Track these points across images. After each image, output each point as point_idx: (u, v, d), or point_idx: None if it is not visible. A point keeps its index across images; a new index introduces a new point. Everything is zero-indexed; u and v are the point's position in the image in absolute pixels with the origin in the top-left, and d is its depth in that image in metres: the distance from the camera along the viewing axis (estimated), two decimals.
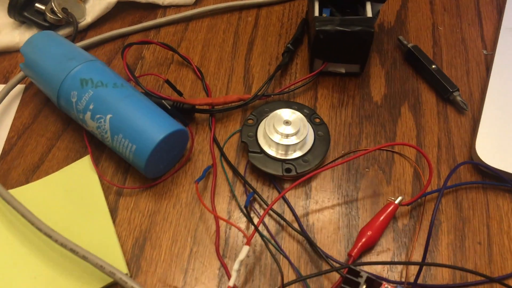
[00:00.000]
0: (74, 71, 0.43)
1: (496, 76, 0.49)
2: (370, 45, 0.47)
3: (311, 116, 0.47)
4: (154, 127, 0.41)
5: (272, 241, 0.41)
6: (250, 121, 0.46)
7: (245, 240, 0.40)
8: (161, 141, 0.40)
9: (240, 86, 0.51)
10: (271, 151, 0.44)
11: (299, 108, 0.47)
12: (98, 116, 0.42)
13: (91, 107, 0.42)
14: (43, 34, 0.47)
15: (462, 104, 0.48)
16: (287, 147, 0.43)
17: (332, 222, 0.42)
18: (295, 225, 0.42)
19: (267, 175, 0.44)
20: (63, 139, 0.47)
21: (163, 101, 0.45)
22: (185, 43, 0.55)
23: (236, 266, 0.36)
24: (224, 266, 0.39)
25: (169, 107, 0.45)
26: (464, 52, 0.53)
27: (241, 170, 0.45)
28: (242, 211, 0.42)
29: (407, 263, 0.37)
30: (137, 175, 0.45)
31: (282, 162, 0.44)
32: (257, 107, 0.48)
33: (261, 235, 0.38)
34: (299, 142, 0.43)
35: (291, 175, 0.43)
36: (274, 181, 0.44)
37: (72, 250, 0.38)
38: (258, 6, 0.58)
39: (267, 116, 0.45)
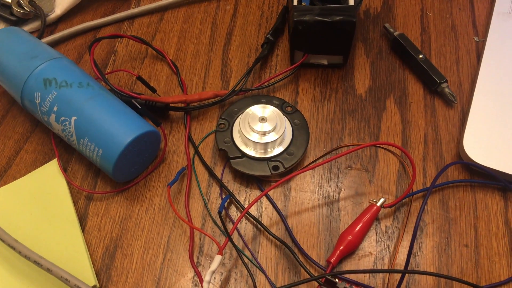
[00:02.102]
0: (37, 70, 0.41)
1: (486, 65, 0.46)
2: (352, 36, 0.44)
3: (282, 105, 0.44)
4: (122, 129, 0.39)
5: (246, 251, 0.39)
6: (222, 126, 0.43)
7: None
8: (129, 144, 0.38)
9: (218, 81, 0.48)
10: (253, 152, 0.42)
11: (268, 101, 0.45)
12: (62, 118, 0.40)
13: (55, 109, 0.40)
14: (5, 31, 0.44)
15: (450, 96, 0.45)
16: (268, 144, 0.41)
17: (312, 225, 0.40)
18: (275, 228, 0.40)
19: (252, 177, 0.42)
20: (31, 141, 0.45)
21: (133, 100, 0.43)
22: (160, 35, 0.52)
23: (207, 277, 0.35)
24: (198, 274, 0.38)
25: (139, 107, 0.42)
26: (454, 39, 0.50)
27: (219, 170, 0.43)
28: (214, 220, 0.40)
29: (388, 271, 0.35)
30: (108, 179, 0.43)
31: (267, 161, 0.42)
32: (224, 109, 0.45)
33: (234, 246, 0.36)
34: (279, 137, 0.41)
35: (279, 172, 0.41)
36: (259, 182, 0.42)
37: (36, 262, 0.36)
38: None
39: (239, 116, 0.43)
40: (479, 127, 0.42)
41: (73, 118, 0.39)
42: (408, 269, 0.37)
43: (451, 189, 0.41)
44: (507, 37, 0.48)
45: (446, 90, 0.45)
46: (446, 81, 0.45)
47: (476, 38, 0.50)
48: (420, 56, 0.47)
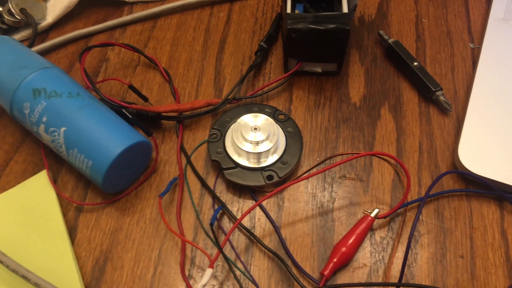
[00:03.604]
0: (26, 80, 0.40)
1: (482, 72, 0.46)
2: (346, 43, 0.43)
3: (274, 114, 0.44)
4: (111, 140, 0.38)
5: (239, 263, 0.38)
6: (214, 136, 0.43)
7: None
8: (119, 155, 0.38)
9: (211, 89, 0.48)
10: (246, 162, 0.41)
11: (260, 109, 0.44)
12: (52, 129, 0.39)
13: (44, 119, 0.39)
14: None
15: (445, 104, 0.45)
16: (262, 154, 0.41)
17: (306, 236, 0.39)
18: (268, 239, 0.39)
19: (246, 188, 0.41)
20: (21, 151, 0.44)
21: (123, 110, 0.42)
22: (152, 42, 0.52)
23: None
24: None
25: (130, 116, 0.42)
26: (450, 46, 0.50)
27: (211, 180, 0.42)
28: (206, 232, 0.40)
29: (382, 284, 0.35)
30: (98, 190, 0.42)
31: (261, 171, 0.41)
32: (216, 119, 0.44)
33: (226, 258, 0.35)
34: (272, 146, 0.40)
35: (274, 181, 0.40)
36: (253, 192, 0.41)
37: (24, 277, 0.35)
38: (231, 0, 0.54)
39: (231, 126, 0.43)
40: (474, 135, 0.42)
41: (63, 129, 0.39)
42: (403, 281, 0.37)
43: (446, 198, 0.41)
44: (503, 43, 0.48)
45: (441, 98, 0.45)
46: (441, 89, 0.45)
47: (471, 45, 0.50)
48: (415, 63, 0.46)
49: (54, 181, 0.42)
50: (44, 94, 0.40)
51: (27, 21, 0.51)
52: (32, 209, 0.40)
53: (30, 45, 0.50)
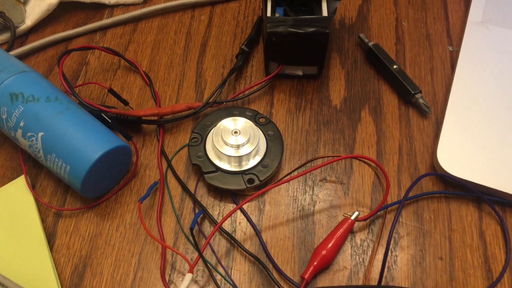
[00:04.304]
0: (3, 84, 0.40)
1: (460, 75, 0.46)
2: (326, 47, 0.44)
3: (255, 117, 0.44)
4: (90, 145, 0.38)
5: (219, 267, 0.38)
6: (194, 140, 0.43)
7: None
8: (97, 160, 0.37)
9: (192, 92, 0.48)
10: (227, 166, 0.41)
11: (241, 112, 0.44)
12: (29, 134, 0.38)
13: (21, 124, 0.39)
14: None
15: (424, 107, 0.45)
16: (242, 158, 0.40)
17: (287, 240, 0.39)
18: (249, 243, 0.39)
19: (227, 191, 0.41)
20: None
21: (102, 114, 0.42)
22: (133, 46, 0.51)
23: None
24: None
25: (110, 121, 0.41)
26: (429, 49, 0.51)
27: (192, 184, 0.42)
28: (186, 237, 0.39)
29: (362, 287, 0.35)
30: (78, 195, 0.42)
31: (242, 174, 0.41)
32: (197, 123, 0.44)
33: (206, 263, 0.35)
34: (253, 149, 0.40)
35: (255, 185, 0.40)
36: (234, 196, 0.41)
37: (1, 284, 0.35)
38: (212, 3, 0.54)
39: (211, 130, 0.42)
40: (452, 138, 0.42)
41: (40, 134, 0.38)
42: (383, 283, 0.37)
43: (425, 200, 0.41)
44: (480, 46, 0.48)
45: (420, 100, 0.45)
46: (420, 92, 0.45)
47: (450, 48, 0.50)
48: (395, 66, 0.47)
49: (33, 186, 0.42)
50: (22, 99, 0.39)
51: (6, 24, 0.50)
52: (10, 214, 0.39)
53: (9, 49, 0.49)
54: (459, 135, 0.42)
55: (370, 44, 0.48)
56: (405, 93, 0.46)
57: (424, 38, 0.51)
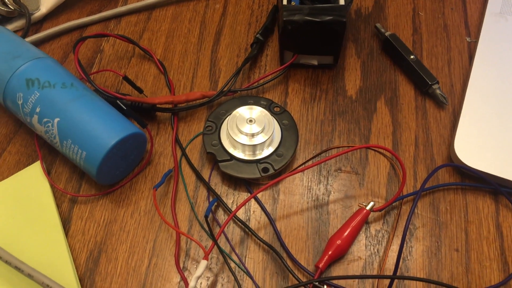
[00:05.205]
0: (19, 70, 0.40)
1: (478, 66, 0.46)
2: (343, 36, 0.43)
3: (270, 106, 0.44)
4: (106, 131, 0.38)
5: (234, 255, 0.38)
6: (209, 128, 0.42)
7: None
8: (113, 147, 0.37)
9: (206, 81, 0.48)
10: (241, 155, 0.41)
11: (255, 101, 0.44)
12: (45, 120, 0.39)
13: (37, 110, 0.39)
14: None
15: (441, 98, 0.44)
16: (257, 146, 0.40)
17: (301, 229, 0.39)
18: (263, 232, 0.39)
19: (241, 180, 0.41)
20: (15, 142, 0.44)
21: (118, 101, 0.42)
22: (147, 34, 0.51)
23: (192, 283, 0.34)
24: (184, 280, 0.37)
25: (125, 108, 0.41)
26: (446, 39, 0.50)
27: (206, 172, 0.42)
28: (200, 224, 0.39)
29: (377, 277, 0.35)
30: (93, 181, 0.42)
31: (257, 163, 0.41)
32: (211, 111, 0.44)
33: (221, 250, 0.35)
34: (268, 138, 0.40)
35: (269, 174, 0.40)
36: (248, 185, 0.41)
37: (17, 268, 0.35)
38: None
39: (226, 118, 0.42)
40: (470, 129, 0.42)
41: (56, 120, 0.38)
42: (398, 274, 0.37)
43: (441, 192, 0.41)
44: (499, 38, 0.48)
45: (438, 91, 0.45)
46: (438, 83, 0.45)
47: (468, 39, 0.50)
48: (412, 56, 0.46)
49: (48, 172, 0.42)
50: (38, 85, 0.39)
51: (21, 11, 0.50)
52: (26, 200, 0.40)
53: (24, 36, 0.49)
54: (476, 126, 0.42)
55: (386, 34, 0.48)
56: (422, 83, 0.45)
57: (442, 29, 0.51)
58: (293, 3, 0.45)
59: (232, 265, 0.37)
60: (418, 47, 0.49)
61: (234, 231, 0.39)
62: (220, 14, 0.52)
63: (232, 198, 0.41)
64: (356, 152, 0.43)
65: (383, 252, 0.38)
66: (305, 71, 0.48)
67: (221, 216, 0.40)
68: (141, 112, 0.44)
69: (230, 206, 0.40)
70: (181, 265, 0.38)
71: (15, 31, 0.51)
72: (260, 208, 0.40)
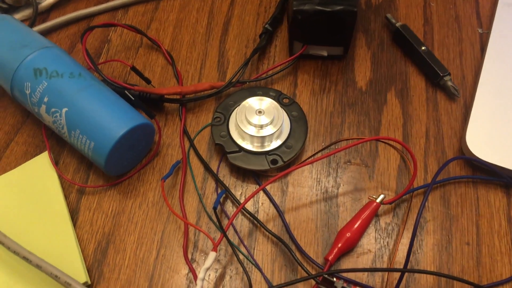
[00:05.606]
0: (27, 60, 0.39)
1: (490, 57, 0.45)
2: (353, 26, 0.43)
3: (279, 97, 0.43)
4: (114, 121, 0.37)
5: (242, 247, 0.38)
6: (217, 120, 0.42)
7: None
8: (122, 137, 0.37)
9: (214, 72, 0.47)
10: (250, 146, 0.41)
11: (264, 93, 0.44)
12: (53, 109, 0.38)
13: (45, 99, 0.38)
14: None
15: (453, 89, 0.44)
16: (266, 138, 0.40)
17: (310, 222, 0.39)
18: (272, 224, 0.39)
19: (249, 172, 0.41)
20: (22, 132, 0.44)
21: (126, 91, 0.41)
22: (155, 24, 0.51)
23: (201, 275, 0.34)
24: (192, 271, 0.37)
25: (133, 98, 0.41)
26: (458, 31, 0.49)
27: (215, 163, 0.42)
28: (209, 216, 0.39)
29: (387, 270, 0.34)
30: (100, 172, 0.42)
31: (266, 155, 0.40)
32: (220, 102, 0.44)
33: (229, 242, 0.35)
34: (277, 130, 0.40)
35: (278, 166, 0.40)
36: (256, 177, 0.41)
37: (25, 258, 0.35)
38: None
39: (235, 109, 0.42)
40: (482, 121, 0.41)
41: (64, 110, 0.38)
42: (408, 267, 0.36)
43: (452, 185, 0.40)
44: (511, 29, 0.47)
45: (449, 83, 0.44)
46: (449, 74, 0.44)
47: (480, 30, 0.49)
48: (423, 48, 0.45)
49: (56, 163, 0.42)
50: (46, 74, 0.39)
51: (28, 0, 0.50)
52: (34, 191, 0.40)
53: (31, 25, 0.49)
54: (488, 119, 0.41)
55: (397, 24, 0.47)
56: (433, 75, 0.45)
57: (453, 20, 0.50)
58: None
59: (241, 257, 0.37)
60: (429, 38, 0.49)
61: (242, 223, 0.39)
62: (228, 4, 0.52)
63: (241, 190, 0.41)
64: (366, 144, 0.42)
65: (393, 245, 0.38)
66: (314, 62, 0.47)
67: (230, 208, 0.40)
68: (149, 103, 0.44)
69: (238, 198, 0.40)
70: (189, 257, 0.37)
71: (22, 20, 0.51)
72: (268, 200, 0.40)
